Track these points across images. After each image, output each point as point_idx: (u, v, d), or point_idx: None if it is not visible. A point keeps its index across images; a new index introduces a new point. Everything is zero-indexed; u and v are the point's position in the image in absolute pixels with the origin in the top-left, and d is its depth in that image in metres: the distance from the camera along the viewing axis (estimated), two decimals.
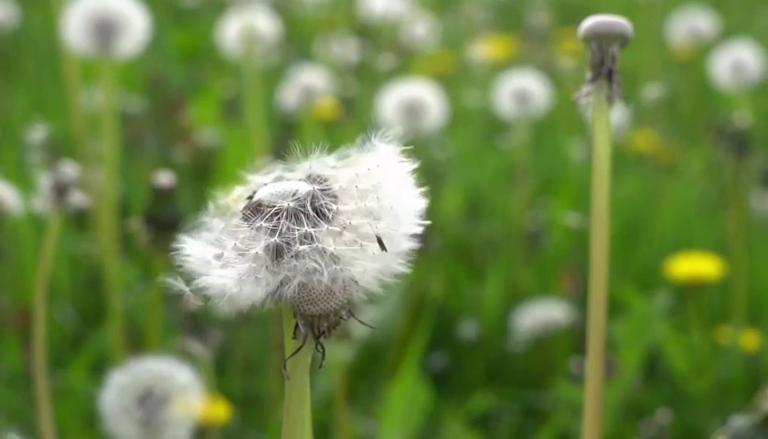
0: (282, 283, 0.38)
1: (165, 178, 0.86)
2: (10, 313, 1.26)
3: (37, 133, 1.57)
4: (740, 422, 0.60)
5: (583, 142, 1.80)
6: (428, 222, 0.41)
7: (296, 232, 0.39)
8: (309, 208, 0.39)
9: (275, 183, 0.40)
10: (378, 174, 0.40)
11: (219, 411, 1.04)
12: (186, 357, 0.97)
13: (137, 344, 1.16)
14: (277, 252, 0.39)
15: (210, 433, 1.02)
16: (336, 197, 0.40)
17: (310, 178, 0.40)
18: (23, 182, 1.20)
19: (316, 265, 0.38)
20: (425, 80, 1.64)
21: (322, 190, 0.40)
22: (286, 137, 1.66)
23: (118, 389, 0.81)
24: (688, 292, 1.29)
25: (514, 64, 2.04)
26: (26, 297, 1.31)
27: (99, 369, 1.16)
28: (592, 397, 0.54)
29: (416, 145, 1.54)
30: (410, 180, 0.41)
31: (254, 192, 0.40)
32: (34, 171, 1.40)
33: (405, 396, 1.07)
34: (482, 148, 1.84)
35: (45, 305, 0.78)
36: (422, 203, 0.41)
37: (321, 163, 0.42)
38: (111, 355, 1.14)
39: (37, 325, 0.78)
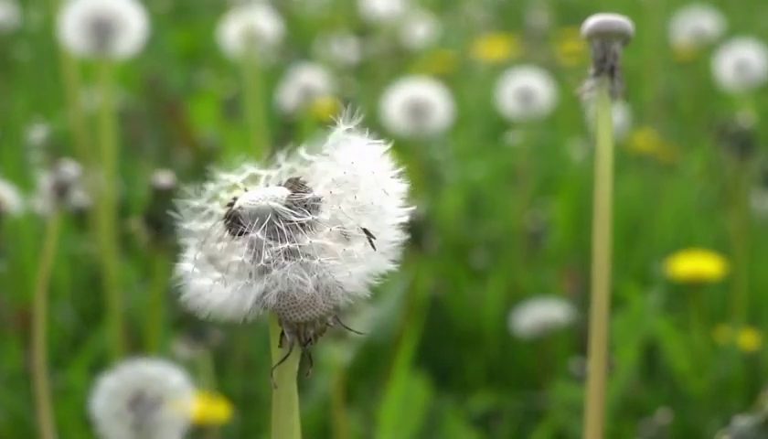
0: (262, 293, 0.38)
1: (164, 178, 0.86)
2: (10, 313, 1.26)
3: (37, 133, 1.57)
4: (743, 422, 0.60)
5: (583, 142, 1.80)
6: (415, 207, 0.40)
7: (275, 249, 0.38)
8: (287, 219, 0.39)
9: (254, 190, 0.40)
10: (354, 173, 0.39)
11: (219, 411, 1.04)
12: (186, 357, 0.98)
13: (137, 344, 1.15)
14: (261, 270, 0.39)
15: (210, 433, 1.02)
16: (315, 200, 0.39)
17: (288, 182, 0.40)
18: (23, 182, 1.20)
19: (299, 277, 0.38)
20: (430, 79, 1.64)
21: (300, 196, 0.39)
22: (286, 137, 1.66)
23: (109, 393, 0.81)
24: (689, 291, 1.29)
25: (514, 64, 2.04)
26: (26, 297, 1.31)
27: (99, 370, 1.16)
28: (595, 395, 0.54)
29: (416, 145, 1.54)
30: (387, 168, 0.40)
31: (234, 199, 0.40)
32: (34, 171, 1.40)
33: (401, 395, 1.07)
34: (482, 148, 1.83)
35: (45, 305, 0.78)
36: (403, 187, 0.40)
37: (297, 163, 0.41)
38: (111, 355, 1.14)
39: (37, 325, 0.78)
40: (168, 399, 0.80)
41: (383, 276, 0.39)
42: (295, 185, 0.40)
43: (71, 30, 1.19)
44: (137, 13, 1.21)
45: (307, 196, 0.39)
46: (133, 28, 1.20)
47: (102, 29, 1.19)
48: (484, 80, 2.16)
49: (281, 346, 0.39)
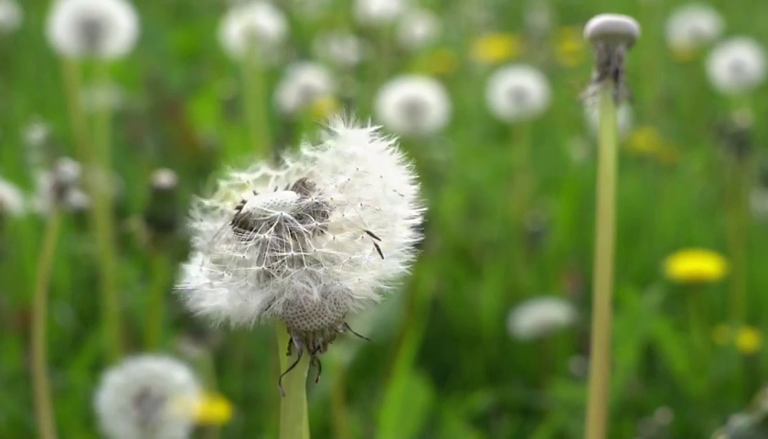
0: (269, 300, 0.38)
1: (165, 178, 0.86)
2: (10, 313, 1.26)
3: (37, 133, 1.57)
4: (740, 421, 0.60)
5: (583, 142, 1.80)
6: (424, 208, 0.40)
7: (284, 256, 0.38)
8: (295, 226, 0.38)
9: (263, 194, 0.40)
10: (364, 176, 0.39)
11: (219, 411, 1.04)
12: (185, 357, 0.98)
13: (136, 344, 1.16)
14: (265, 276, 0.38)
15: (210, 433, 1.02)
16: (324, 206, 0.39)
17: (297, 185, 0.40)
18: (23, 182, 1.20)
19: (304, 285, 0.38)
20: (426, 79, 1.64)
21: (309, 201, 0.39)
22: (286, 137, 1.66)
23: (114, 389, 0.81)
24: (688, 291, 1.29)
25: (514, 64, 2.04)
26: (26, 297, 1.31)
27: (98, 369, 1.16)
28: (597, 395, 0.54)
29: (416, 145, 1.54)
30: (398, 170, 0.40)
31: (243, 202, 0.40)
32: (34, 171, 1.40)
33: (402, 395, 1.07)
34: (482, 148, 1.83)
35: (44, 306, 0.78)
36: (414, 188, 0.40)
37: (303, 162, 0.41)
38: (110, 355, 1.14)
39: (37, 325, 0.78)
40: (173, 396, 0.80)
41: (395, 280, 0.39)
42: (304, 188, 0.39)
43: (61, 30, 1.20)
44: (125, 12, 1.21)
45: (316, 200, 0.39)
46: (121, 28, 1.20)
47: (91, 29, 1.19)
48: (483, 80, 2.16)
49: (289, 353, 0.39)
